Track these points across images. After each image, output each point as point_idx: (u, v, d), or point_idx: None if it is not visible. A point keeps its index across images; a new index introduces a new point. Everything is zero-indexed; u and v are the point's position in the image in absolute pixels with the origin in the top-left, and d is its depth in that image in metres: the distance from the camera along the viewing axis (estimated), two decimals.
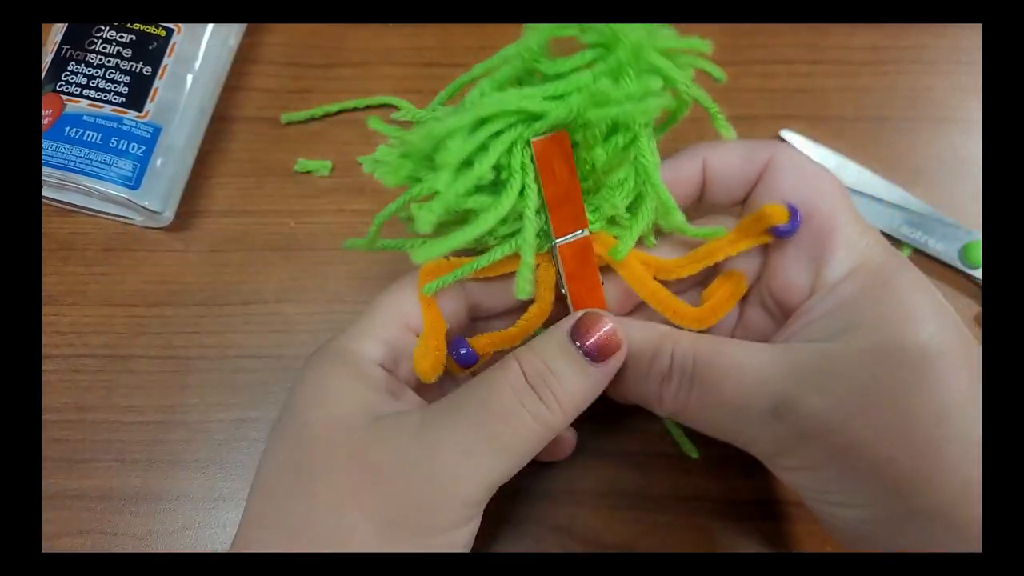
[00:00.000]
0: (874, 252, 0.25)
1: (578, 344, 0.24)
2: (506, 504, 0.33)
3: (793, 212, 0.25)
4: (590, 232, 0.26)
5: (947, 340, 0.22)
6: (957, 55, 0.41)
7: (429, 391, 0.28)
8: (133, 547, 0.33)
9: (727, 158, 0.28)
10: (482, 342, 0.27)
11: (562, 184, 0.24)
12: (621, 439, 0.34)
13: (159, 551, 0.33)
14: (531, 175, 0.24)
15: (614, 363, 0.25)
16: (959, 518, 0.22)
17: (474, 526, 0.24)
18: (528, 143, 0.24)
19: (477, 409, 0.23)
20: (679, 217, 0.26)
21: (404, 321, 0.26)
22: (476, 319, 0.29)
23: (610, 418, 0.34)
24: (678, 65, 0.25)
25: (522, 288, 0.24)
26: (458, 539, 0.23)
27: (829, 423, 0.22)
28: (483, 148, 0.23)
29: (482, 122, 0.23)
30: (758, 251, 0.27)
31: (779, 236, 0.26)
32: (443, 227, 0.25)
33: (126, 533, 0.33)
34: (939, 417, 0.21)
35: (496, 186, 0.25)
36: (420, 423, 0.23)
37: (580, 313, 0.25)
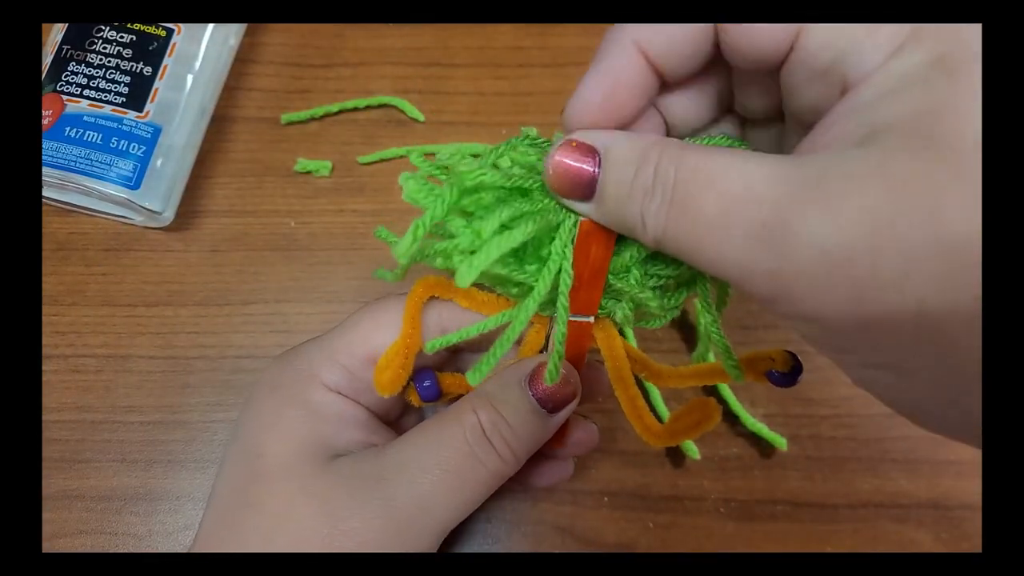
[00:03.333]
0: (941, 34, 0.17)
1: (533, 393, 0.24)
2: (506, 504, 0.33)
3: (796, 364, 0.24)
4: (595, 319, 0.25)
5: None
6: None
7: (389, 415, 0.28)
8: (133, 547, 0.33)
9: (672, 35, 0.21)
10: (449, 381, 0.26)
11: (590, 269, 0.23)
12: (621, 439, 0.34)
13: (159, 551, 0.33)
14: (569, 259, 0.22)
15: (567, 411, 0.24)
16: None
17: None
18: (577, 223, 0.22)
19: (434, 463, 0.23)
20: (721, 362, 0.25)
21: (370, 351, 0.25)
22: (458, 353, 0.29)
23: (610, 418, 0.34)
24: None
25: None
26: None
27: (831, 252, 0.16)
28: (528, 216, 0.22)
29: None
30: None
31: (773, 383, 0.25)
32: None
33: (126, 533, 0.33)
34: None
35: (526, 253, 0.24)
36: (378, 472, 0.23)
37: (536, 361, 0.24)
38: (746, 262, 0.18)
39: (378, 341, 0.25)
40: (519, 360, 0.25)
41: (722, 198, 0.18)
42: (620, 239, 0.23)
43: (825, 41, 0.18)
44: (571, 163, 0.20)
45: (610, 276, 0.23)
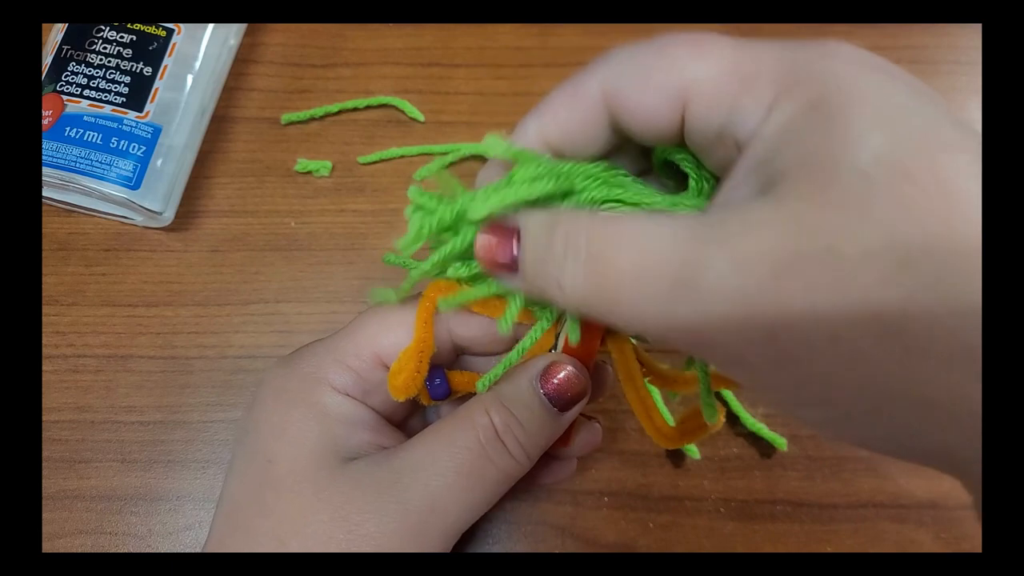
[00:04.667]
0: (810, 80, 0.17)
1: (544, 392, 0.24)
2: (506, 504, 0.33)
3: None
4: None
5: (905, 158, 0.15)
6: (957, 55, 0.41)
7: (395, 416, 0.28)
8: (133, 547, 0.33)
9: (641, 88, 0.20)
10: (458, 380, 0.26)
11: None
12: (621, 439, 0.34)
13: (159, 551, 0.33)
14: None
15: (577, 409, 0.25)
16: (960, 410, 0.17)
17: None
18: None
19: (449, 465, 0.23)
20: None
21: (377, 353, 0.25)
22: (461, 354, 0.28)
23: (610, 418, 0.34)
24: None
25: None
26: None
27: (739, 299, 0.16)
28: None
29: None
30: None
31: None
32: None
33: (126, 533, 0.33)
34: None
35: None
36: (393, 476, 0.23)
37: (547, 360, 0.24)
38: (663, 317, 0.18)
39: (386, 342, 0.25)
40: (529, 360, 0.25)
41: (634, 259, 0.18)
42: None
43: (708, 110, 0.19)
44: (493, 241, 0.21)
45: None
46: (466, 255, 0.23)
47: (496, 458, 0.23)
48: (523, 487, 0.28)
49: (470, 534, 0.33)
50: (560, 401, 0.24)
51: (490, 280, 0.23)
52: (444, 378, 0.26)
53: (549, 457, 0.29)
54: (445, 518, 0.23)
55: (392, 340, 0.25)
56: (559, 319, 0.25)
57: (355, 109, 0.41)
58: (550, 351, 0.25)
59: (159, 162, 0.36)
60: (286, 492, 0.23)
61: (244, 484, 0.24)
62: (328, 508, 0.23)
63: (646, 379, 0.26)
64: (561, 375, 0.24)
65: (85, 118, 0.36)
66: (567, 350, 0.25)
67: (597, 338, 0.25)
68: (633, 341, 0.26)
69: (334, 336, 0.26)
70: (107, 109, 0.36)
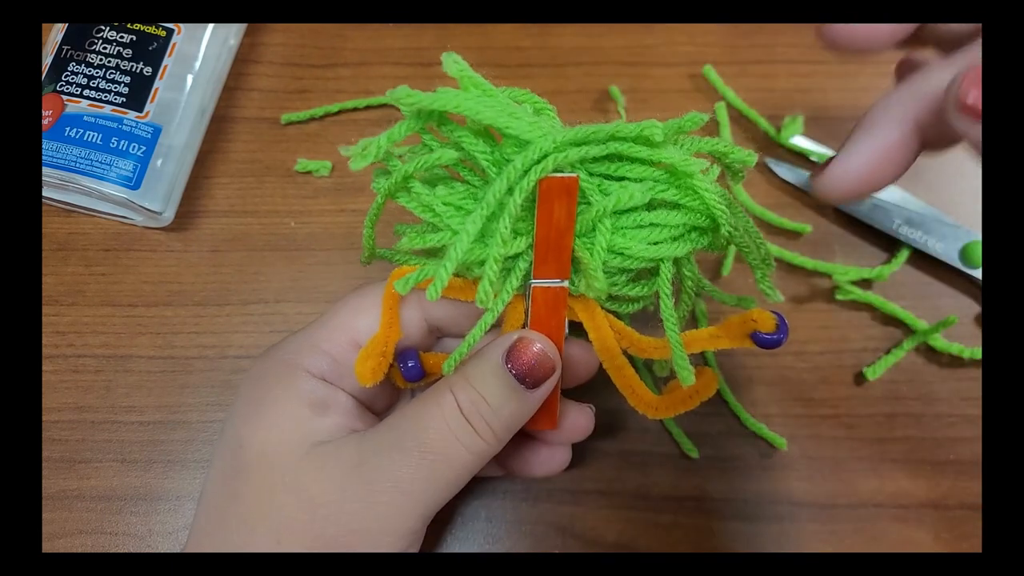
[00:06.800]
0: None
1: (511, 368, 0.23)
2: (506, 504, 0.33)
3: (781, 323, 0.24)
4: (569, 286, 0.25)
5: None
6: None
7: (376, 404, 0.28)
8: (133, 547, 0.33)
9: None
10: (433, 362, 0.26)
11: (556, 229, 0.23)
12: (621, 439, 0.34)
13: (159, 551, 0.33)
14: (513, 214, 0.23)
15: (548, 386, 0.24)
16: None
17: (414, 549, 0.25)
18: (535, 184, 0.22)
19: (413, 445, 0.23)
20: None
21: (353, 336, 0.26)
22: (441, 337, 0.29)
23: (610, 418, 0.34)
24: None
25: (481, 299, 0.23)
26: None
27: None
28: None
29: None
30: None
31: (760, 345, 0.24)
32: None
33: (126, 533, 0.33)
34: None
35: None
36: (357, 457, 0.23)
37: (514, 336, 0.24)
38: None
39: (359, 326, 0.26)
40: (498, 337, 0.25)
41: None
42: (583, 197, 0.23)
43: None
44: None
45: (578, 239, 0.24)
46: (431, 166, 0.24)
47: (463, 437, 0.23)
48: (518, 476, 0.29)
49: (470, 534, 0.33)
50: (528, 378, 0.23)
51: (444, 256, 0.23)
52: (417, 360, 0.26)
53: (541, 443, 0.29)
54: (413, 499, 0.23)
55: (366, 323, 0.25)
56: (526, 293, 0.25)
57: (355, 109, 0.41)
58: (523, 328, 0.25)
59: (159, 162, 0.36)
60: (255, 476, 0.23)
61: (218, 471, 0.25)
62: (293, 491, 0.23)
63: (626, 347, 0.26)
64: (528, 350, 0.23)
65: (85, 118, 0.36)
66: (536, 325, 0.24)
67: (563, 305, 0.24)
68: (604, 309, 0.26)
69: (313, 323, 0.26)
70: (107, 109, 0.36)
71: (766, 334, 0.24)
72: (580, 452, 0.33)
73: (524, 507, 0.33)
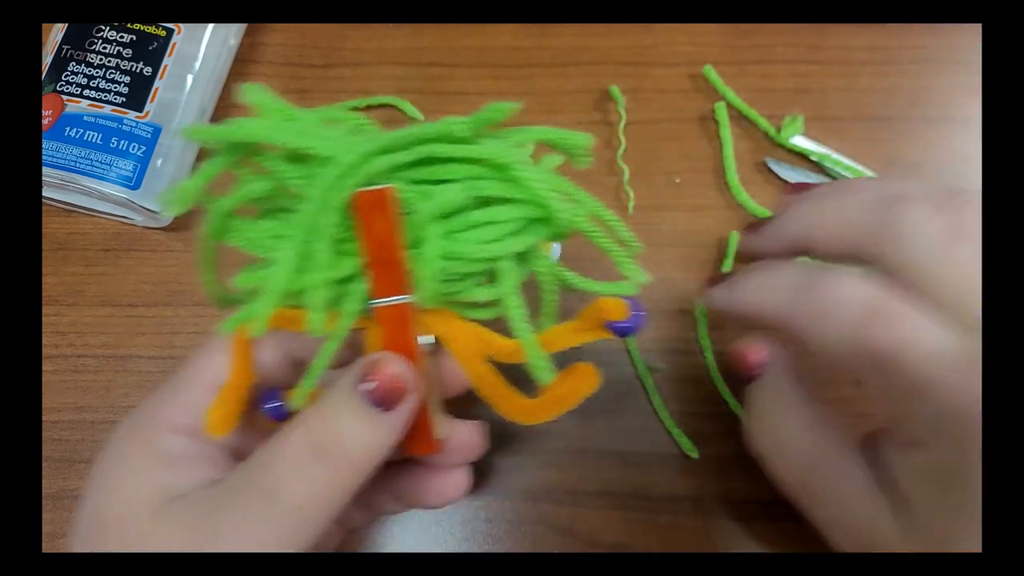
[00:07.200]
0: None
1: (364, 393, 0.22)
2: (506, 504, 0.33)
3: (635, 308, 0.23)
4: (412, 300, 0.23)
5: None
6: (957, 55, 0.41)
7: (247, 450, 0.26)
8: None
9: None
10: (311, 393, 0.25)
11: (382, 244, 0.22)
12: (621, 439, 0.34)
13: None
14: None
15: (406, 407, 0.23)
16: None
17: None
18: (346, 202, 0.22)
19: (259, 491, 0.21)
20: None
21: (214, 381, 0.24)
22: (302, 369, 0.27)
23: (610, 418, 0.34)
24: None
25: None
26: None
27: None
28: None
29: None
30: None
31: (617, 334, 0.23)
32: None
33: None
34: None
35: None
36: (209, 505, 0.22)
37: (365, 360, 0.23)
38: None
39: (220, 367, 0.24)
40: (354, 363, 0.23)
41: None
42: (409, 208, 0.23)
43: None
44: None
45: (413, 251, 0.23)
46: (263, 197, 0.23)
47: (316, 475, 0.21)
48: (418, 508, 0.28)
49: (470, 534, 0.33)
50: (382, 401, 0.22)
51: (264, 292, 0.22)
52: (277, 399, 0.25)
53: (432, 471, 0.27)
54: (265, 546, 0.21)
55: (224, 363, 0.24)
56: (371, 316, 0.24)
57: (355, 109, 0.40)
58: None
59: (159, 162, 0.36)
60: (111, 539, 0.23)
61: (79, 539, 0.24)
62: (146, 548, 0.22)
63: (489, 354, 0.25)
64: (378, 373, 0.22)
65: (85, 118, 0.36)
66: (389, 345, 0.23)
67: (409, 326, 0.23)
68: (462, 317, 0.25)
69: (175, 372, 0.25)
70: (107, 109, 0.36)
71: (619, 323, 0.23)
72: (580, 452, 0.33)
73: (524, 507, 0.33)
